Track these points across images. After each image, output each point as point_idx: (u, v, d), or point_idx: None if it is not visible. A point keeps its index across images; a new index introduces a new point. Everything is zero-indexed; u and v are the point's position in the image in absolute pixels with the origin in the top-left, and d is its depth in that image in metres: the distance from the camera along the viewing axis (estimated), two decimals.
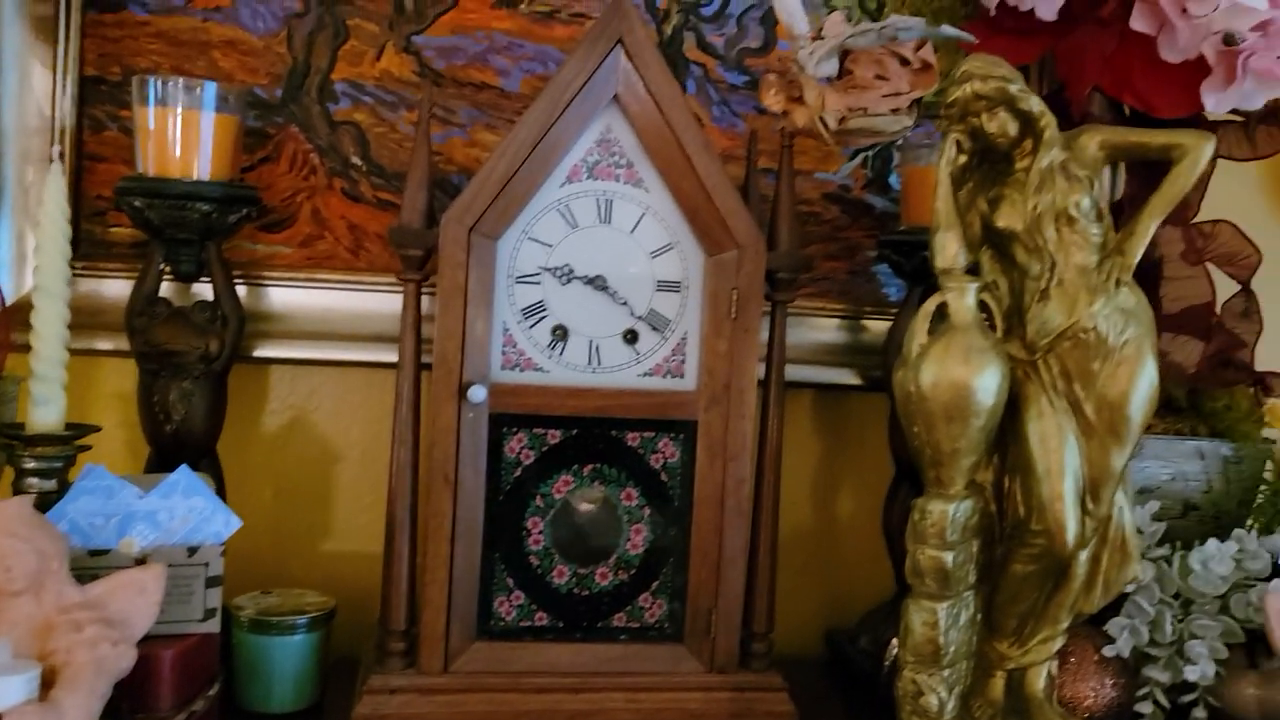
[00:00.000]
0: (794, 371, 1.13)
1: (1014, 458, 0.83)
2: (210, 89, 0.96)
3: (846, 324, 1.19)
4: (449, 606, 0.90)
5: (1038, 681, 0.86)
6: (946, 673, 0.84)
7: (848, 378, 1.19)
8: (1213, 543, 0.93)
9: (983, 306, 0.82)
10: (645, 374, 0.94)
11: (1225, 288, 1.11)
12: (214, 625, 0.84)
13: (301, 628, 0.93)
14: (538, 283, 0.92)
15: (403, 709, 0.89)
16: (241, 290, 1.04)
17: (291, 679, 0.92)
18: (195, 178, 0.96)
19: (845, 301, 1.20)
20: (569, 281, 0.93)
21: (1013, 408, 0.82)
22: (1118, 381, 0.80)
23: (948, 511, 0.80)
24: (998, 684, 0.87)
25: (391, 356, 0.93)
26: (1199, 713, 0.95)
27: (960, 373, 0.78)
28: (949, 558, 0.81)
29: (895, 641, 1.00)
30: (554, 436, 0.92)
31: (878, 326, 1.19)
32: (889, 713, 0.90)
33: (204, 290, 1.01)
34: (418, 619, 0.91)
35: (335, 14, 1.09)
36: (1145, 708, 0.95)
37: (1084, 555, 0.83)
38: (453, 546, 0.90)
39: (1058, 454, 0.80)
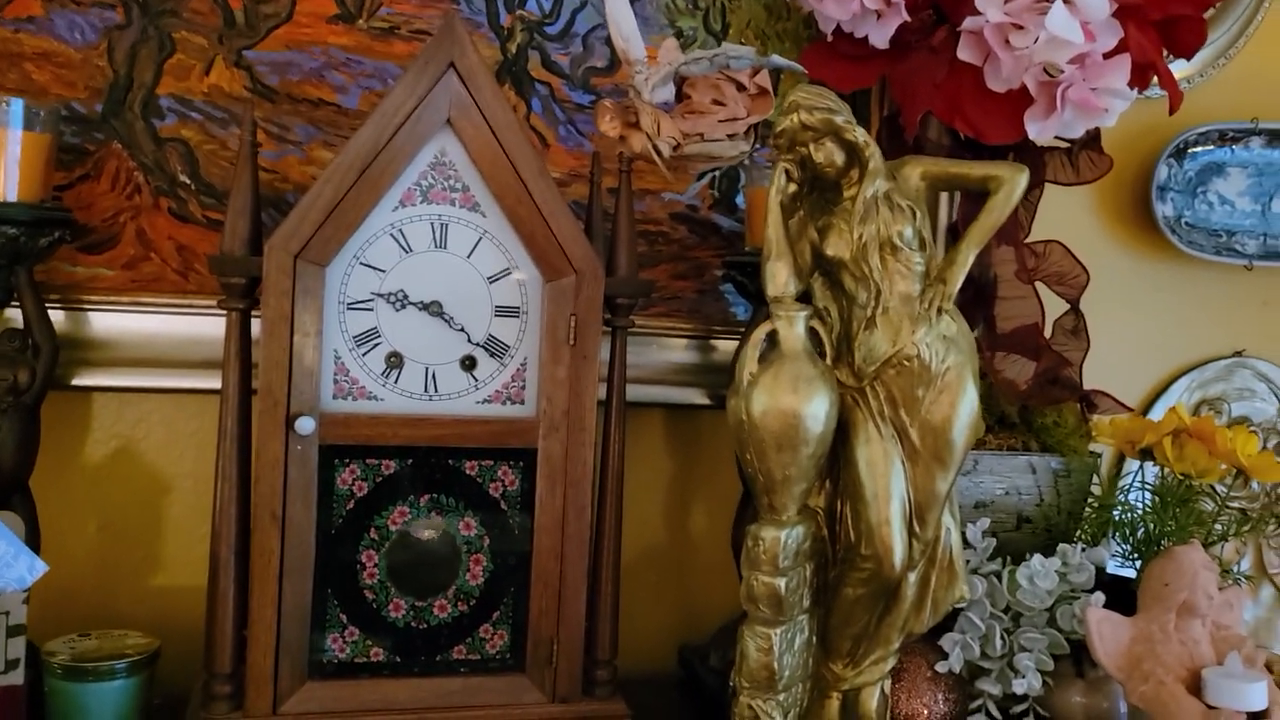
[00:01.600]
0: (644, 391, 1.14)
1: (844, 481, 0.84)
2: (17, 106, 0.91)
3: (696, 343, 1.20)
4: (278, 646, 0.87)
5: (871, 701, 0.87)
6: (782, 696, 0.84)
7: (697, 397, 1.19)
8: (1038, 558, 0.96)
9: (813, 334, 0.83)
10: (484, 401, 0.92)
11: (1057, 307, 1.15)
12: (16, 677, 0.79)
13: (121, 672, 0.88)
14: (371, 309, 0.90)
15: None
16: (59, 315, 0.99)
17: None
18: (2, 199, 0.91)
19: (694, 321, 1.20)
20: (403, 307, 0.90)
21: (842, 433, 0.83)
22: (941, 408, 0.81)
23: (780, 538, 0.81)
24: (833, 705, 0.88)
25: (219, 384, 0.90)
26: None
27: (789, 401, 0.79)
28: (782, 583, 0.82)
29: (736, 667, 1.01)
30: (388, 467, 0.90)
31: (726, 346, 1.20)
32: None
33: (14, 316, 0.96)
34: (245, 660, 0.87)
35: (160, 26, 1.04)
36: None
37: (913, 577, 0.85)
38: (281, 584, 0.87)
39: (884, 479, 0.82)
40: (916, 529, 0.82)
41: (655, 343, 1.17)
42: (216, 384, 1.00)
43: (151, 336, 1.04)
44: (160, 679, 0.93)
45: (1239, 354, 1.39)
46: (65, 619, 0.96)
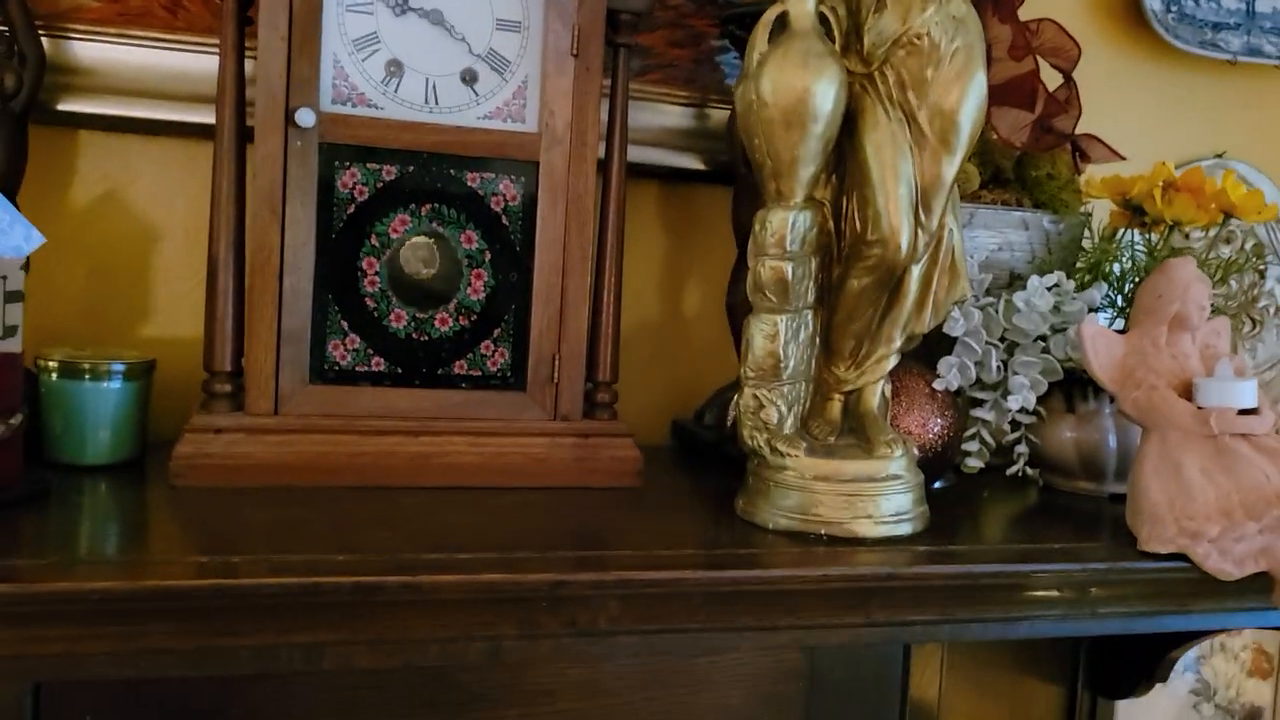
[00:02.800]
0: (639, 154, 1.13)
1: (851, 171, 0.84)
2: None
3: (692, 110, 1.19)
4: (278, 348, 0.86)
5: (873, 400, 0.88)
6: (786, 388, 0.85)
7: (693, 162, 1.18)
8: (1034, 279, 0.97)
9: (823, 20, 0.83)
10: (485, 116, 0.91)
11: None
12: (15, 344, 0.77)
13: (118, 374, 0.87)
14: (370, 13, 0.88)
15: (229, 449, 0.85)
16: (45, 41, 0.96)
17: (108, 428, 0.87)
18: None
19: (690, 89, 1.19)
20: (403, 13, 0.89)
21: (850, 123, 0.83)
22: (950, 91, 0.81)
23: (788, 219, 0.81)
24: (835, 406, 0.89)
25: (213, 119, 0.88)
26: (1021, 448, 1.00)
27: (799, 77, 0.79)
28: (789, 268, 0.82)
29: (736, 399, 1.02)
30: (389, 173, 0.89)
31: (720, 115, 1.19)
32: (732, 472, 0.92)
33: None
34: (246, 362, 0.86)
35: None
36: (972, 445, 1.00)
37: (916, 272, 0.85)
38: (281, 284, 0.86)
39: (892, 163, 0.82)
40: (922, 217, 0.83)
41: (651, 107, 1.16)
42: (207, 119, 0.99)
43: (139, 69, 1.01)
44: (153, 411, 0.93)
45: (1220, 155, 1.41)
46: None
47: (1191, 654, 1.40)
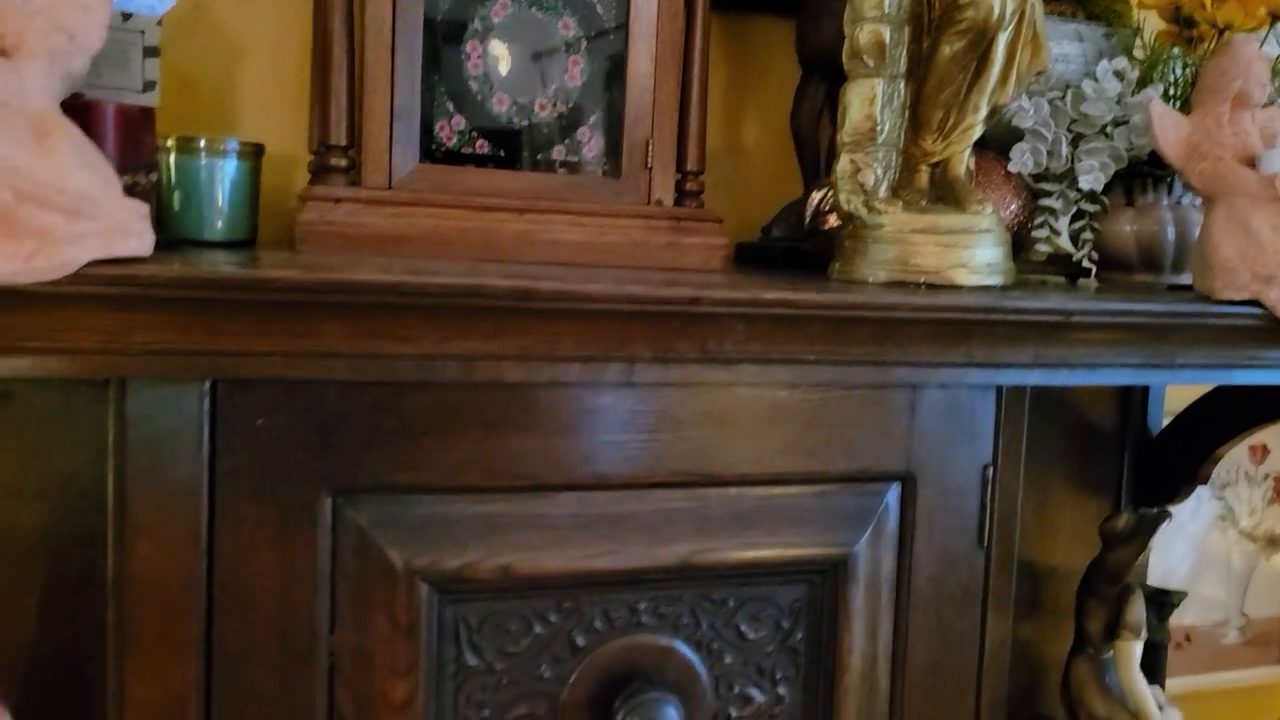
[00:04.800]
0: None
1: None
2: None
3: None
4: (391, 124, 0.89)
5: (959, 168, 0.92)
6: (881, 153, 0.89)
7: None
8: (1102, 64, 1.01)
9: None
10: None
11: None
12: (153, 98, 0.80)
13: (232, 152, 0.90)
14: None
15: (349, 218, 0.88)
16: None
17: (225, 205, 0.90)
18: None
19: None
20: None
21: None
22: None
23: None
24: (922, 177, 0.93)
25: None
26: (1086, 235, 1.05)
27: None
28: (886, 32, 0.86)
29: (815, 197, 1.06)
30: None
31: None
32: (812, 269, 0.96)
33: None
34: (358, 138, 0.89)
35: None
36: (1041, 233, 1.05)
37: (1003, 41, 0.89)
38: (394, 60, 0.89)
39: None
40: None
41: None
42: None
43: None
44: None
45: None
46: None
47: (1218, 476, 1.47)
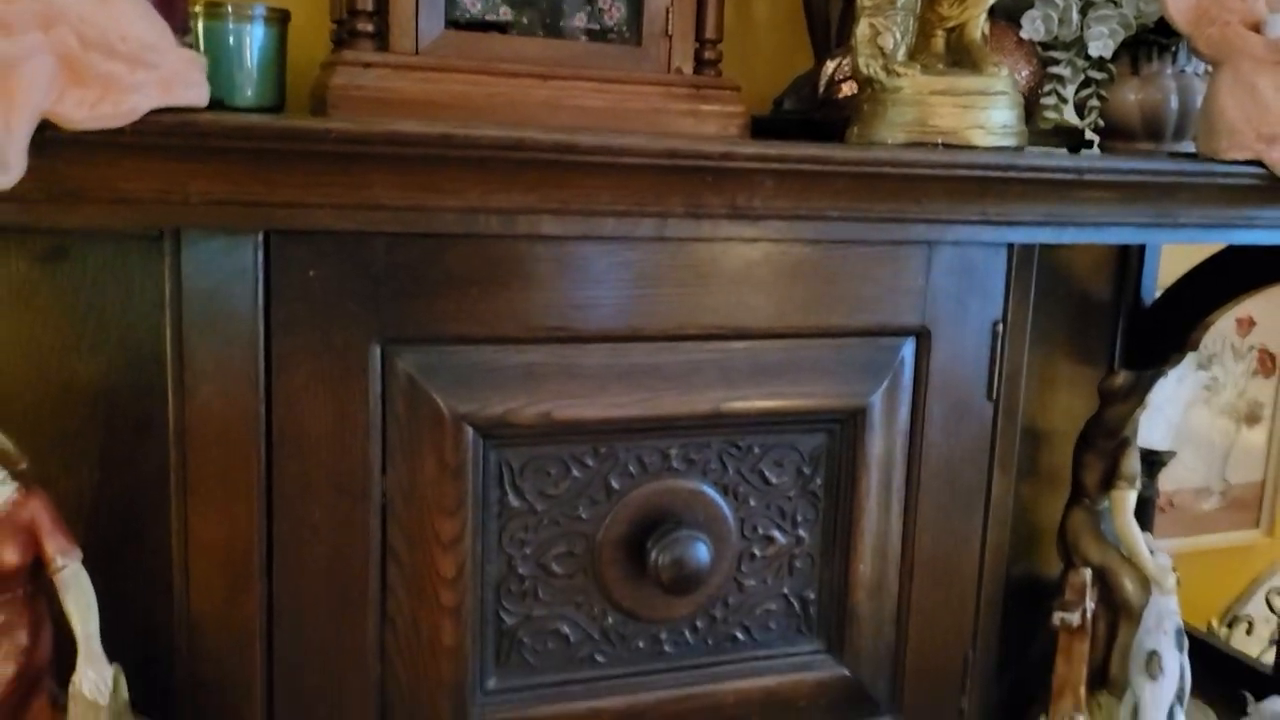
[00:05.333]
0: None
1: None
2: None
3: None
4: None
5: (975, 32, 0.94)
6: (899, 16, 0.91)
7: None
8: None
9: None
10: None
11: None
12: None
13: (259, 18, 0.91)
14: None
15: (380, 83, 0.89)
16: None
17: (254, 69, 0.91)
18: None
19: None
20: None
21: None
22: None
23: None
24: (939, 41, 0.95)
25: None
26: (1093, 102, 1.07)
27: None
28: None
29: (828, 67, 1.08)
30: None
31: None
32: (825, 138, 0.98)
33: None
34: (384, 3, 0.90)
35: None
36: (1049, 100, 1.07)
37: None
38: None
39: None
40: None
41: None
42: None
43: None
44: None
45: None
46: None
47: (1204, 348, 1.52)
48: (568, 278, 0.79)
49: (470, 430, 0.79)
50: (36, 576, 0.73)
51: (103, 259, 0.78)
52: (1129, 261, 1.35)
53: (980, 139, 0.89)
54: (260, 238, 0.72)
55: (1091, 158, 0.88)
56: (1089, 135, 1.11)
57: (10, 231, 0.76)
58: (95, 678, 0.72)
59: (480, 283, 0.77)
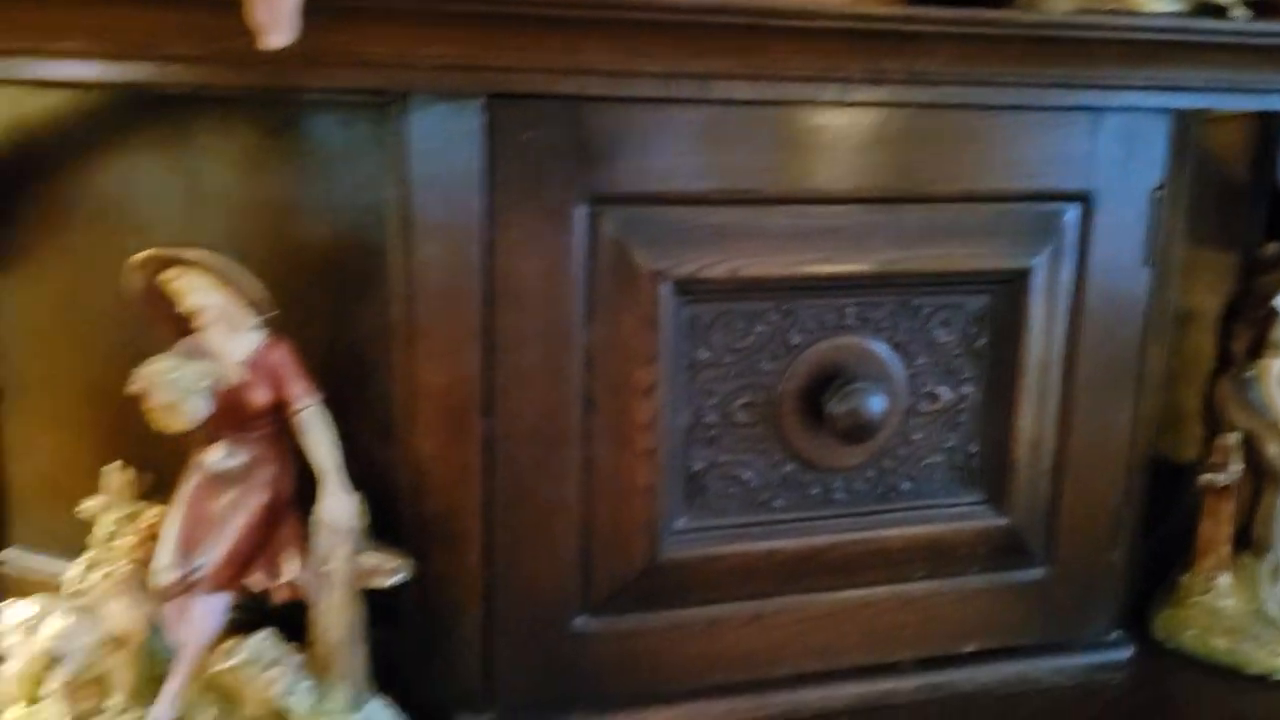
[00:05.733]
0: None
1: None
2: None
3: None
4: None
5: None
6: None
7: None
8: None
9: None
10: None
11: None
12: None
13: None
14: None
15: None
16: None
17: None
18: None
19: None
20: None
21: None
22: None
23: None
24: None
25: None
26: None
27: None
28: None
29: None
30: None
31: None
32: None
33: None
34: None
35: None
36: None
37: None
38: None
39: None
40: None
41: None
42: None
43: None
44: None
45: None
46: None
47: None
48: (756, 141, 0.84)
49: (665, 286, 0.84)
50: (279, 417, 0.82)
51: (329, 127, 0.84)
52: (1271, 141, 1.35)
53: (1150, 4, 0.90)
54: (482, 102, 0.77)
55: (1260, 23, 0.89)
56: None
57: (250, 103, 0.83)
58: (339, 506, 0.80)
59: (676, 146, 0.82)
